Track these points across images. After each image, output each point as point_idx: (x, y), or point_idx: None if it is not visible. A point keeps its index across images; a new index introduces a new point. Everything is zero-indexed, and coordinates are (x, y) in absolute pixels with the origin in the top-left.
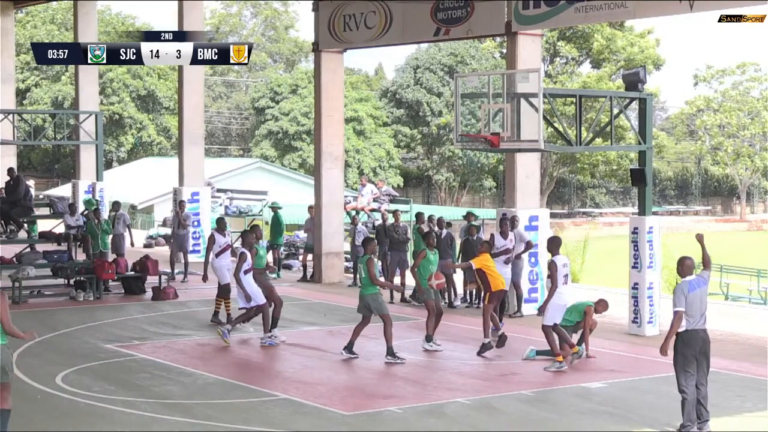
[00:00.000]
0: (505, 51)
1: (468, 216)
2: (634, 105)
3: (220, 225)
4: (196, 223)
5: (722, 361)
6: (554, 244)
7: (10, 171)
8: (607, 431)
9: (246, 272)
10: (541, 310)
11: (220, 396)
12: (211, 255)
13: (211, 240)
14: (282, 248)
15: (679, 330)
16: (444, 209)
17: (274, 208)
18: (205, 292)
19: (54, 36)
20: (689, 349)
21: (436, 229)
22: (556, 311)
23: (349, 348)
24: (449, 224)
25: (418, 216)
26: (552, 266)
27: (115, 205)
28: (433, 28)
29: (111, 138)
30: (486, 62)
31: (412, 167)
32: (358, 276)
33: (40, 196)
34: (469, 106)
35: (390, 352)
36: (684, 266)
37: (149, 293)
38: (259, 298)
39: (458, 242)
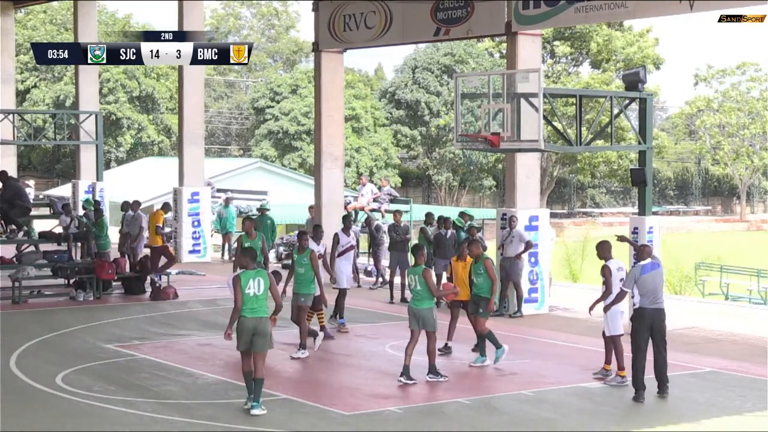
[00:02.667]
0: (503, 50)
1: (463, 216)
2: (634, 105)
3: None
4: (196, 223)
5: (722, 361)
6: (605, 248)
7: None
8: (607, 431)
9: (339, 255)
10: (606, 309)
11: (220, 396)
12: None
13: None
14: (282, 248)
15: (635, 305)
16: (444, 209)
17: (262, 210)
18: (206, 293)
19: (54, 36)
20: (641, 323)
21: (442, 229)
22: (618, 319)
23: (406, 374)
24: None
25: (428, 216)
26: (605, 271)
27: (124, 206)
28: (433, 28)
29: (110, 138)
30: (484, 61)
31: (411, 167)
32: (408, 288)
33: (40, 196)
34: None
35: (433, 369)
36: (644, 252)
37: (149, 293)
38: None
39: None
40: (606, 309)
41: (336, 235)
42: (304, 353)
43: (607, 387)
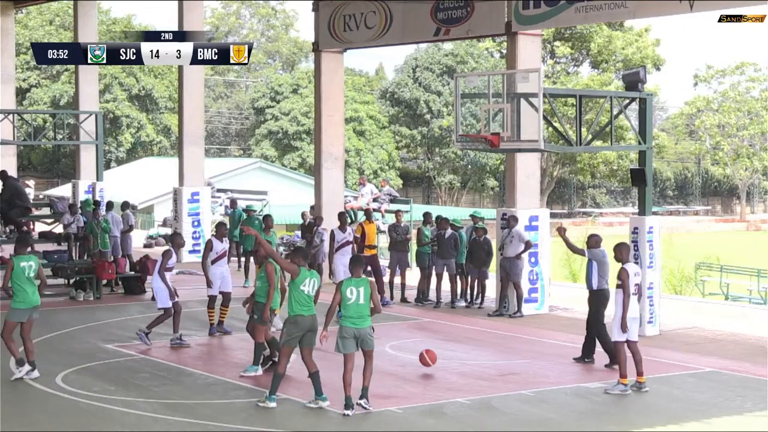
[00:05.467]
0: (504, 50)
1: (473, 218)
2: (634, 105)
3: (219, 231)
4: (196, 223)
5: (722, 361)
6: (623, 251)
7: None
8: (607, 431)
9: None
10: (624, 328)
11: (220, 396)
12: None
13: (208, 246)
14: (282, 248)
15: (594, 288)
16: (444, 209)
17: (249, 211)
18: (206, 293)
19: (54, 36)
20: (604, 305)
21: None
22: (630, 325)
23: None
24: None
25: (426, 216)
26: (623, 274)
27: (124, 206)
28: (433, 28)
29: (111, 138)
30: (484, 62)
31: (412, 167)
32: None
33: (40, 196)
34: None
35: (365, 394)
36: (595, 240)
37: (149, 293)
38: (166, 300)
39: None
40: (622, 323)
41: (332, 231)
42: (257, 370)
43: (608, 387)
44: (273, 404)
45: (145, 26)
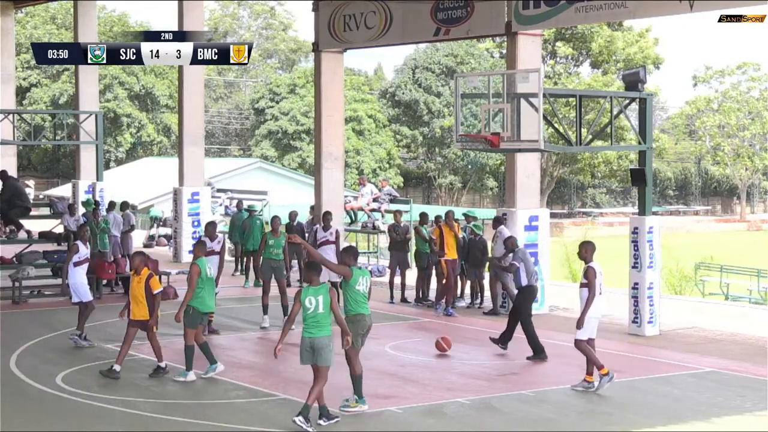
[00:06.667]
0: (504, 51)
1: (467, 217)
2: (634, 105)
3: (209, 230)
4: (196, 223)
5: (722, 361)
6: (589, 249)
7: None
8: (607, 431)
9: (76, 264)
10: (579, 324)
11: (220, 396)
12: None
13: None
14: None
15: (524, 284)
16: (444, 209)
17: (251, 211)
18: None
19: (54, 36)
20: (532, 300)
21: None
22: (593, 324)
23: (304, 414)
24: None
25: (422, 216)
26: (590, 272)
27: (123, 205)
28: (433, 28)
29: (110, 138)
30: (485, 62)
31: (412, 167)
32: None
33: (40, 196)
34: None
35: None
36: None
37: None
38: (83, 294)
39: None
40: (580, 320)
41: (315, 229)
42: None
43: (607, 387)
44: (365, 406)
45: (141, 24)
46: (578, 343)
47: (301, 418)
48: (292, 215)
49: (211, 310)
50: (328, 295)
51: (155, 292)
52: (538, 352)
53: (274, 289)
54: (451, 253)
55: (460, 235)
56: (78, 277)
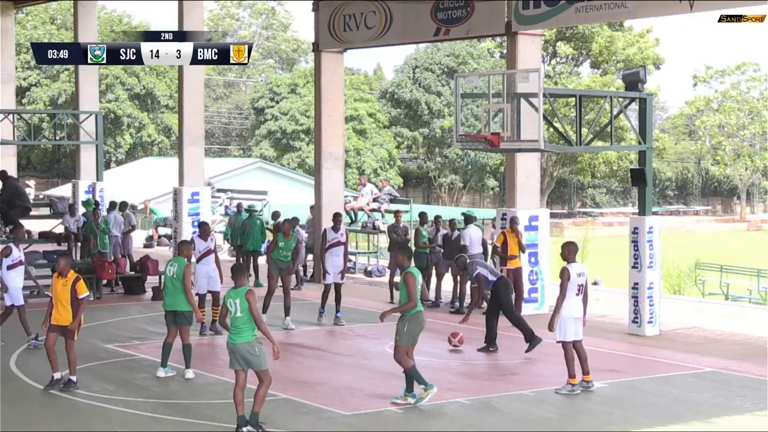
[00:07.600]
0: (504, 51)
1: (466, 217)
2: (634, 105)
3: (203, 230)
4: (196, 223)
5: (722, 361)
6: (570, 250)
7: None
8: (607, 431)
9: (9, 268)
10: (550, 326)
11: (220, 396)
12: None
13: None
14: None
15: (493, 280)
16: (444, 209)
17: (251, 211)
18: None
19: (54, 36)
20: (510, 291)
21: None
22: (569, 325)
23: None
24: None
25: (422, 216)
26: (564, 274)
27: (122, 205)
28: (433, 28)
29: (110, 138)
30: (485, 62)
31: (412, 167)
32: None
33: (40, 196)
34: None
35: (254, 419)
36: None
37: (149, 293)
38: (17, 297)
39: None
40: (550, 323)
41: (324, 230)
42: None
43: (607, 387)
44: (434, 389)
45: (140, 23)
46: (563, 345)
47: (248, 427)
48: (276, 215)
49: (168, 308)
50: (245, 299)
51: (81, 296)
52: (532, 339)
53: (277, 290)
54: (515, 262)
55: (455, 235)
56: (11, 281)
